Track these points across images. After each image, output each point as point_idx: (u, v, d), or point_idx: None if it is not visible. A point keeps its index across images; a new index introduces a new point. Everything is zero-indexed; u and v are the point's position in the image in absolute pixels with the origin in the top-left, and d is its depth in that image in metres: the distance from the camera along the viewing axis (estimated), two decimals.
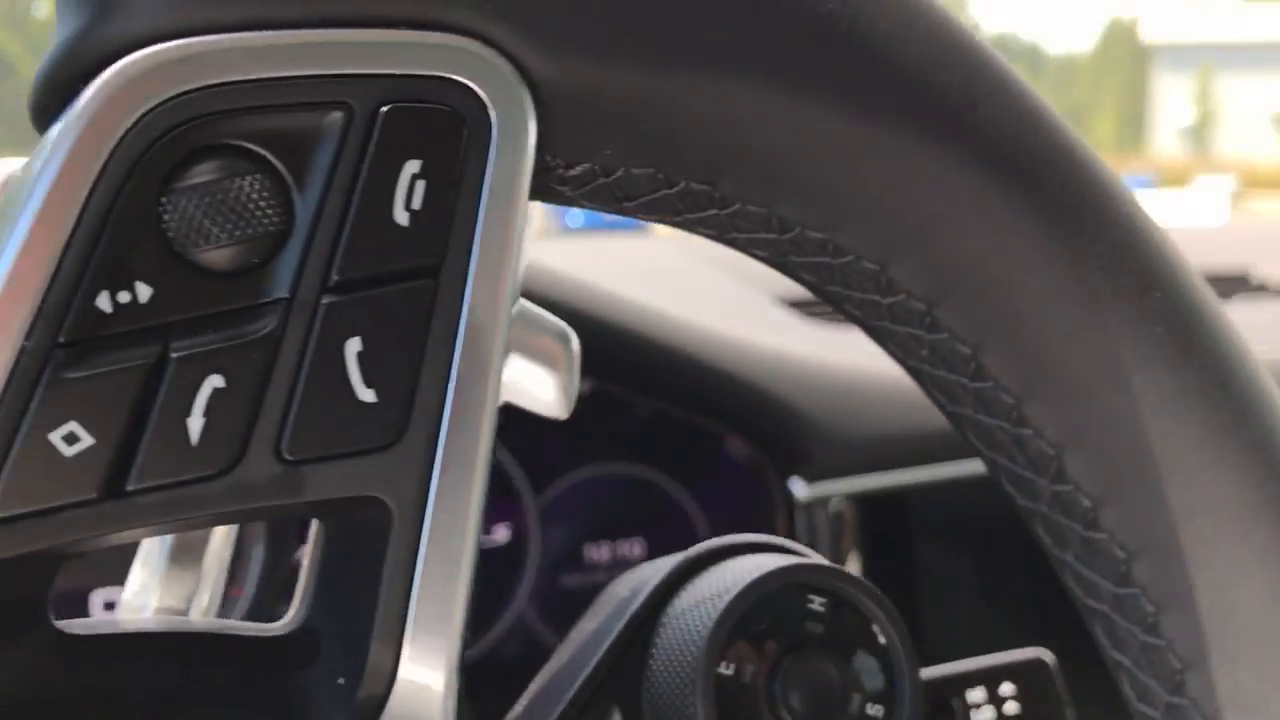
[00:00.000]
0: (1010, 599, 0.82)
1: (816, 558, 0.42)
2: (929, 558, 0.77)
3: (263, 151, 0.24)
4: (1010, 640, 0.50)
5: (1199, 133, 50.25)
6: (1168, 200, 20.43)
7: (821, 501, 0.73)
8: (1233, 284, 1.27)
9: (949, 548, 0.78)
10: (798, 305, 1.00)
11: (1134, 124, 57.88)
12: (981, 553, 0.80)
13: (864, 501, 0.74)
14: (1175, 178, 39.68)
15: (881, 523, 0.75)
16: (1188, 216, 18.50)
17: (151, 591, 0.41)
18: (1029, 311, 0.27)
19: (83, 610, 0.68)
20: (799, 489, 0.73)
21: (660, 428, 0.81)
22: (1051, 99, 0.27)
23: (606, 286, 0.85)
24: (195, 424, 0.23)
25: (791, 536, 0.61)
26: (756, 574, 0.38)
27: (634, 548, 0.81)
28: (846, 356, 0.82)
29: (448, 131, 0.24)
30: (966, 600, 0.81)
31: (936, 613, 0.77)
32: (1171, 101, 52.20)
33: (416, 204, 0.24)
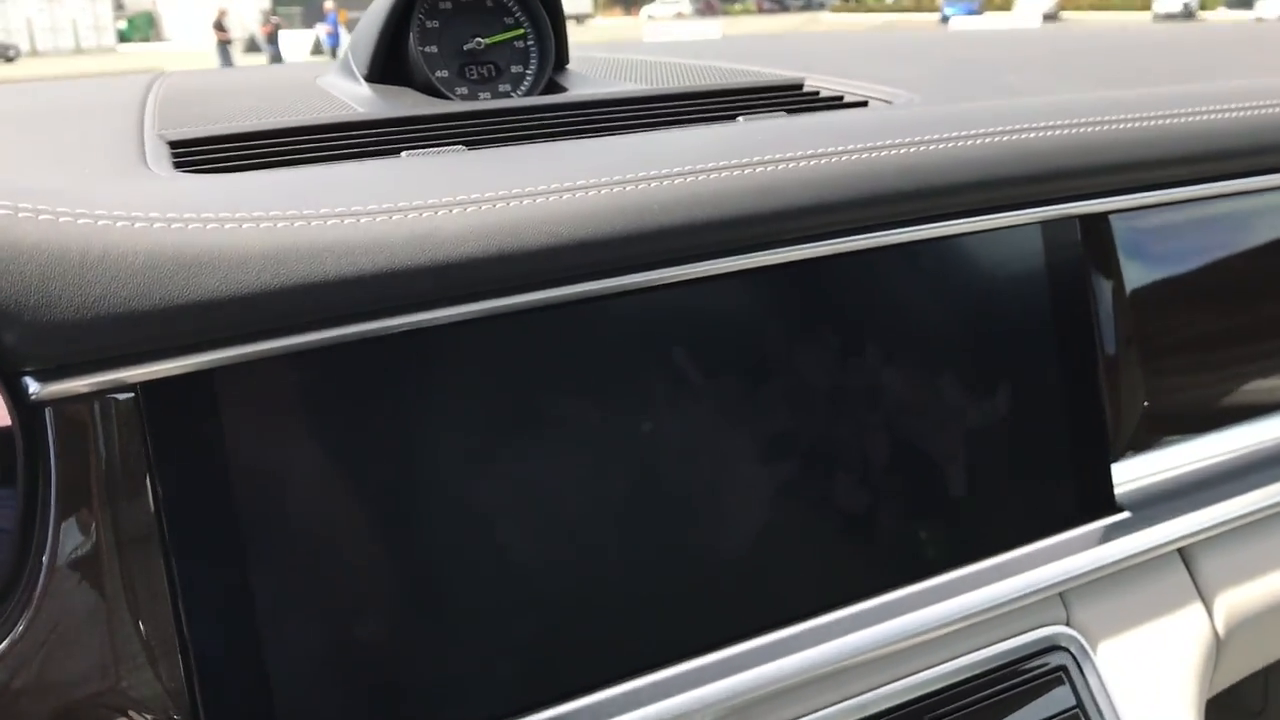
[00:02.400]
0: None
1: None
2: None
3: None
4: None
5: None
6: (988, 26, 23.30)
7: (83, 399, 0.59)
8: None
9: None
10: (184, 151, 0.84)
11: None
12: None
13: (154, 391, 0.60)
14: (1003, 3, 42.85)
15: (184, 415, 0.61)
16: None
17: None
18: None
19: None
20: (32, 387, 0.57)
21: None
22: None
23: None
24: None
25: (39, 450, 0.58)
26: None
27: None
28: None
29: None
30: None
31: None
32: None
33: None
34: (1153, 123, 0.93)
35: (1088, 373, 0.93)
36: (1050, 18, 35.04)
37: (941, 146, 0.84)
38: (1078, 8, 43.46)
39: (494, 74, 1.05)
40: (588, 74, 1.16)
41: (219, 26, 21.82)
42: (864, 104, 1.05)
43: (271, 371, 0.65)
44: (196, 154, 0.84)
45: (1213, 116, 0.97)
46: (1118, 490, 0.95)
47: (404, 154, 0.83)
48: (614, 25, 47.94)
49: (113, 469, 0.61)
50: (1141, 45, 1.65)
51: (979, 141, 0.85)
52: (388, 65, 1.03)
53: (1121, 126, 0.92)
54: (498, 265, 0.68)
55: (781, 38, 1.90)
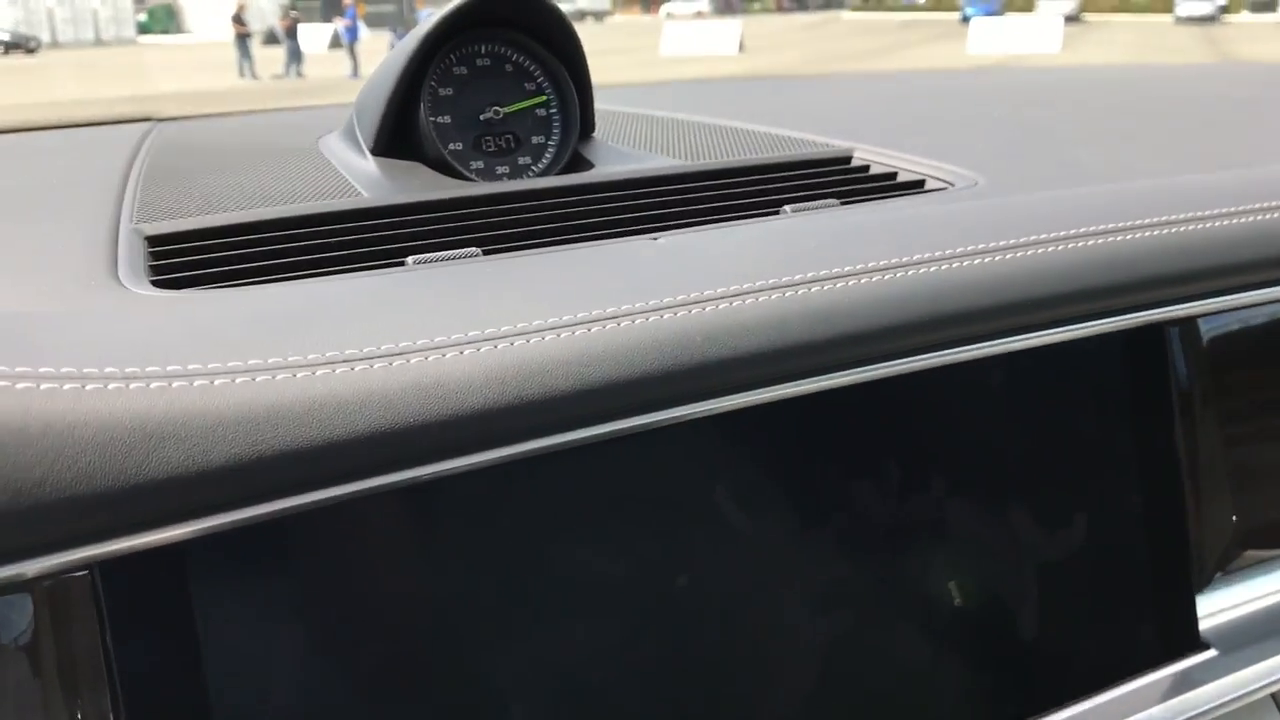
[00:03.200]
0: None
1: None
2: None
3: None
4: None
5: None
6: (1010, 26, 23.11)
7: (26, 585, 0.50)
8: None
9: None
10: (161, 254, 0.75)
11: None
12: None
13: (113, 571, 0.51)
14: (1024, 3, 42.54)
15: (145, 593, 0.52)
16: (1024, 45, 21.15)
17: None
18: None
19: None
20: None
21: None
22: None
23: None
24: None
25: None
26: None
27: None
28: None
29: None
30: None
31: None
32: None
33: None
34: (1255, 218, 0.83)
35: (1170, 491, 0.83)
36: (1072, 19, 34.79)
37: (1018, 256, 0.74)
38: (1099, 9, 43.13)
39: (513, 145, 0.95)
40: (613, 141, 1.06)
41: (238, 20, 21.82)
42: (920, 184, 0.95)
43: (250, 541, 0.55)
44: (175, 256, 0.74)
45: None
46: (1203, 625, 0.85)
47: (411, 261, 0.74)
48: (633, 24, 47.88)
49: (64, 660, 0.52)
50: (1211, 96, 1.53)
51: (1061, 249, 0.75)
52: (395, 136, 0.93)
53: (1220, 224, 0.82)
54: (513, 416, 0.58)
55: (822, 82, 1.79)
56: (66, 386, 0.51)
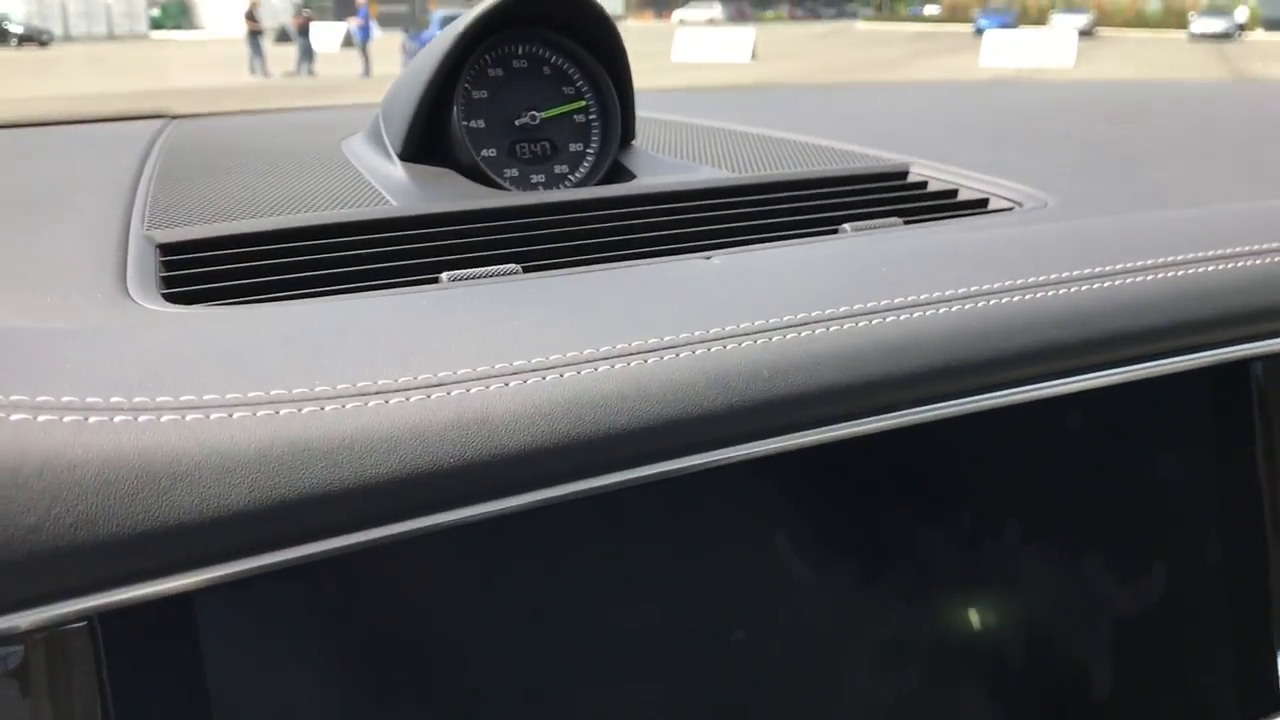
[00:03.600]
0: None
1: None
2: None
3: None
4: None
5: None
6: (1023, 39, 23.04)
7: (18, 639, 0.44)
8: None
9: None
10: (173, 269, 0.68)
11: None
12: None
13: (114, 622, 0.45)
14: (1038, 17, 42.49)
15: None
16: (1037, 59, 21.07)
17: None
18: None
19: None
20: None
21: None
22: None
23: None
24: None
25: None
26: None
27: None
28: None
29: None
30: None
31: None
32: None
33: None
34: None
35: (1252, 540, 0.77)
36: (1085, 33, 34.73)
37: (1105, 286, 0.68)
38: (1112, 24, 43.06)
39: (548, 153, 0.89)
40: (653, 150, 1.00)
41: (250, 17, 21.80)
42: (983, 203, 0.89)
43: (266, 590, 0.50)
44: (189, 267, 0.69)
45: None
46: None
47: (445, 277, 0.68)
48: (646, 30, 47.93)
49: (61, 718, 0.46)
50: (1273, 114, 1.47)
51: (1148, 279, 0.69)
52: (425, 141, 0.87)
53: None
54: (562, 455, 0.52)
55: (864, 91, 1.73)
56: (67, 419, 0.45)
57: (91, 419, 0.46)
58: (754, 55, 23.65)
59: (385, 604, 0.53)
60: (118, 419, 0.46)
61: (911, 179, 0.96)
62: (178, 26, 50.60)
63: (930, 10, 56.78)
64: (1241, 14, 36.71)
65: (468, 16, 0.84)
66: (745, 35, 24.64)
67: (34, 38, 35.54)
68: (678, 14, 55.38)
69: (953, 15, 51.31)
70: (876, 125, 1.28)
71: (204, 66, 23.37)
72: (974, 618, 0.69)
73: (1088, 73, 19.35)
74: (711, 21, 49.52)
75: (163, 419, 0.46)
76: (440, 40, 0.84)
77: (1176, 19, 41.48)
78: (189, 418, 0.47)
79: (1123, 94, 1.78)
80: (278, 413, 0.48)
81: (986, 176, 0.94)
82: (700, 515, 0.60)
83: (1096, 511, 0.72)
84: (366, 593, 0.52)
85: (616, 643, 0.58)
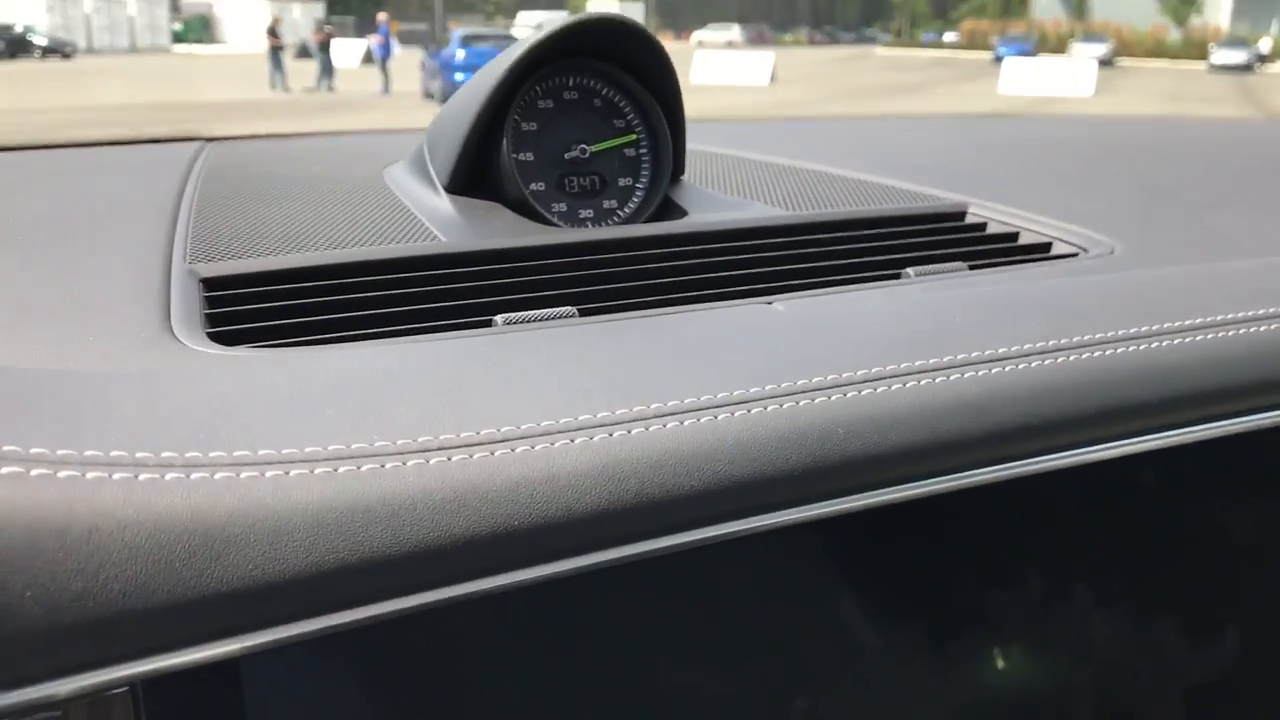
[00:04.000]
0: None
1: None
2: None
3: None
4: None
5: None
6: (1042, 67, 23.02)
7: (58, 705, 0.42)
8: None
9: None
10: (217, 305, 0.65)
11: None
12: None
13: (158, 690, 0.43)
14: (1057, 44, 42.50)
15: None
16: (1056, 88, 21.01)
17: None
18: None
19: None
20: None
21: None
22: None
23: None
24: None
25: None
26: None
27: None
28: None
29: None
30: None
31: None
32: None
33: None
34: None
35: None
36: (1105, 63, 34.70)
37: (1185, 341, 0.65)
38: (1132, 54, 43.06)
39: (598, 187, 0.86)
40: (703, 185, 0.97)
41: (272, 33, 21.94)
42: (1045, 247, 0.86)
43: (318, 655, 0.47)
44: (236, 304, 0.66)
45: None
46: None
47: (500, 320, 0.65)
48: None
49: None
50: None
51: (1230, 334, 0.66)
52: (473, 173, 0.85)
53: None
54: (630, 517, 0.49)
55: (908, 125, 1.70)
56: (117, 476, 0.43)
57: (142, 476, 0.43)
58: (773, 79, 23.69)
59: (441, 669, 0.50)
60: (169, 476, 0.43)
61: (970, 219, 0.93)
62: (199, 40, 50.98)
63: (949, 37, 56.86)
64: (1265, 45, 36.60)
65: (519, 47, 0.81)
66: (765, 59, 24.66)
67: (58, 50, 35.85)
68: (696, 35, 55.60)
69: (971, 42, 51.38)
70: (924, 160, 1.25)
71: (225, 80, 23.51)
72: (1049, 682, 0.66)
73: (1108, 103, 19.31)
74: (730, 44, 49.70)
75: (216, 476, 0.44)
76: (490, 70, 0.82)
77: (1197, 50, 41.43)
78: (244, 475, 0.44)
79: (1171, 132, 1.75)
80: (336, 470, 0.46)
81: (1047, 219, 0.91)
82: (767, 576, 0.57)
83: (1177, 574, 0.69)
84: (422, 657, 0.49)
85: (683, 706, 0.55)
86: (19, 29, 36.30)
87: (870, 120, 1.89)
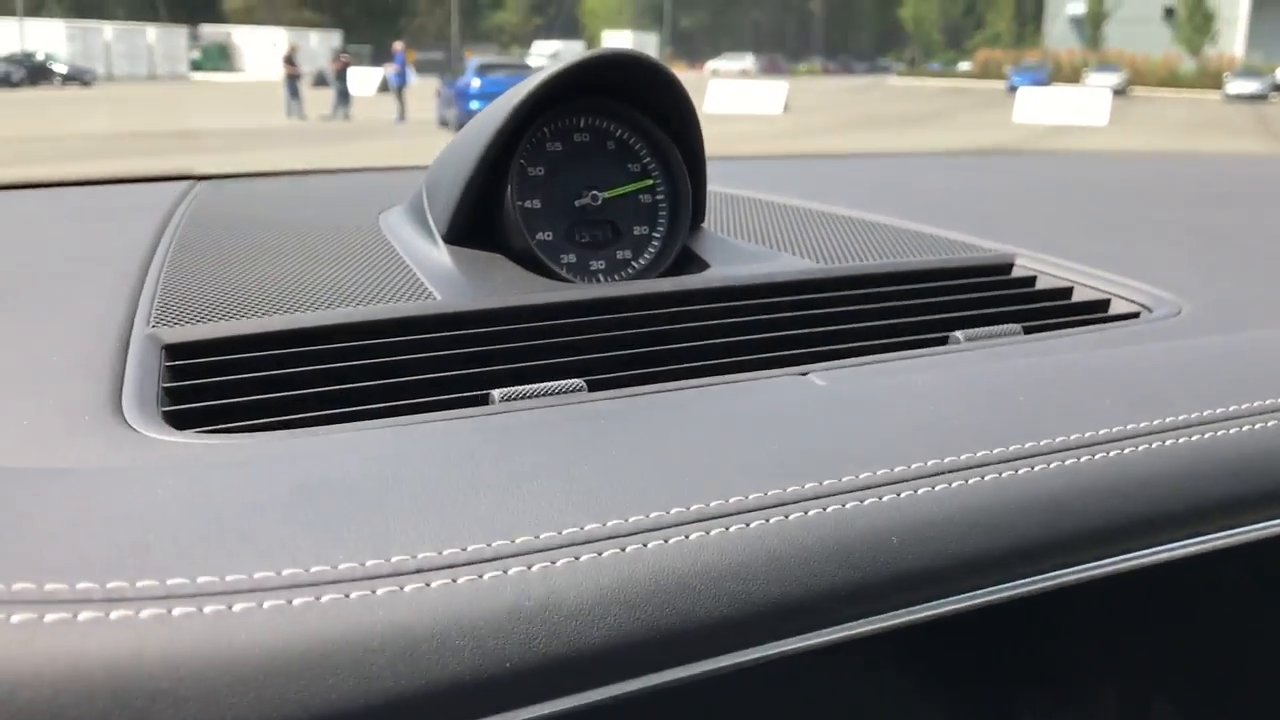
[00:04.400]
0: None
1: None
2: None
3: None
4: None
5: (1090, 25, 53.02)
6: (1057, 96, 22.95)
7: None
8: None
9: None
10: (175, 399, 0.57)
11: (1031, 19, 60.47)
12: None
13: None
14: (1071, 74, 42.46)
15: None
16: (1070, 116, 20.93)
17: None
18: None
19: None
20: None
21: None
22: None
23: None
24: None
25: None
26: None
27: None
28: None
29: None
30: None
31: None
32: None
33: None
34: None
35: None
36: (1119, 92, 34.64)
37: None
38: (1146, 84, 42.99)
39: (611, 237, 0.79)
40: (725, 233, 0.89)
41: (289, 61, 22.04)
42: (1103, 305, 0.78)
43: None
44: (200, 375, 0.58)
45: None
46: None
47: (498, 395, 0.57)
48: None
49: None
50: None
51: None
52: (474, 221, 0.77)
53: None
54: (646, 648, 0.43)
55: (934, 163, 1.62)
56: (16, 618, 0.36)
57: (49, 617, 0.36)
58: (786, 108, 23.68)
59: None
60: (83, 616, 0.37)
61: (1018, 272, 0.85)
62: (217, 69, 51.35)
63: (963, 66, 56.87)
64: None
65: (525, 85, 0.74)
66: (778, 89, 24.66)
67: (77, 77, 36.11)
68: (710, 65, 55.79)
69: (985, 71, 51.33)
70: (960, 203, 1.17)
71: (243, 108, 23.62)
72: None
73: (1121, 132, 19.23)
74: (744, 73, 49.84)
75: (143, 614, 0.37)
76: (495, 110, 0.74)
77: (1212, 79, 41.33)
78: (176, 612, 0.37)
79: (1218, 169, 1.66)
80: (290, 603, 0.38)
81: (1102, 272, 0.83)
82: (806, 700, 0.49)
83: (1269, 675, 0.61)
84: None
85: None
86: (40, 57, 36.66)
87: (897, 158, 1.80)
